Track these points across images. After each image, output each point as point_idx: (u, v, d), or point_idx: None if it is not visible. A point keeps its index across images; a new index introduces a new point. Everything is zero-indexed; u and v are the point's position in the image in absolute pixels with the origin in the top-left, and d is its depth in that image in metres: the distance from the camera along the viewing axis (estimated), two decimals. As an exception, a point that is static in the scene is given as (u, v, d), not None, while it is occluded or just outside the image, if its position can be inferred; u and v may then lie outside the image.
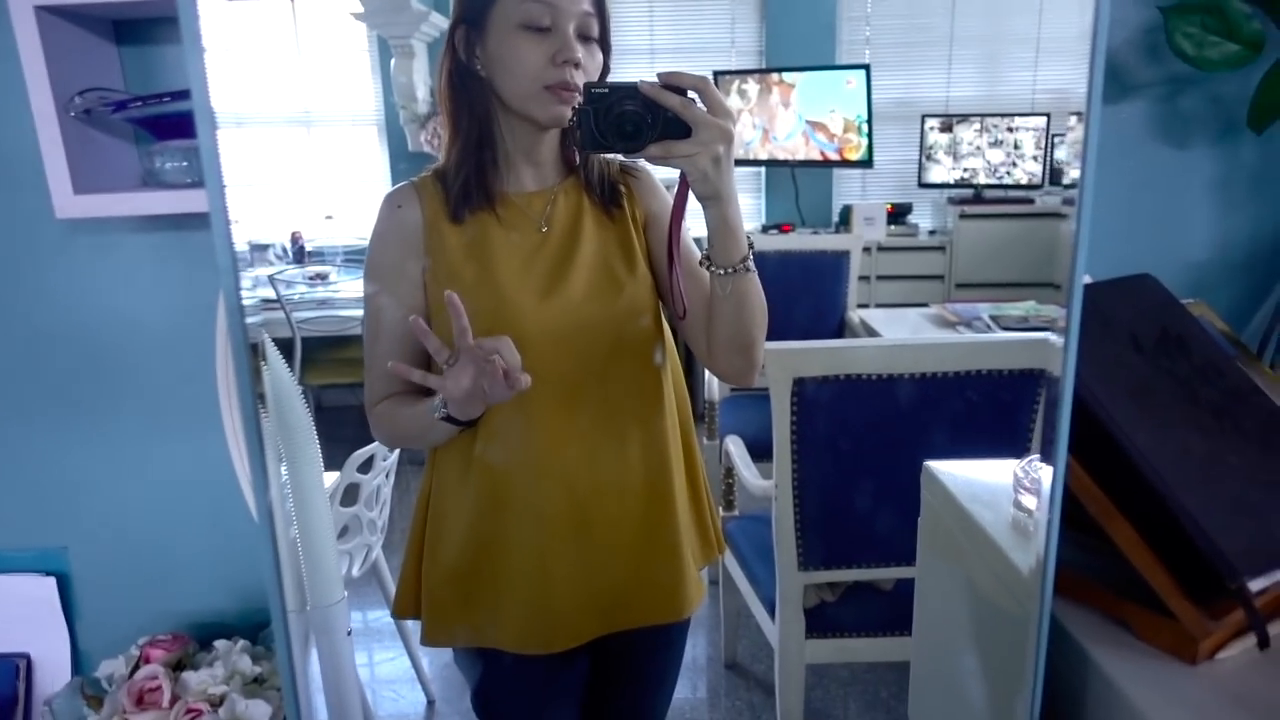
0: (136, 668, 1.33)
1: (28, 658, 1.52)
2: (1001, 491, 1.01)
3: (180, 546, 1.40)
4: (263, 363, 1.06)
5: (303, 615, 1.13)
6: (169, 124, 1.37)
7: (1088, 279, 0.84)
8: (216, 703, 1.22)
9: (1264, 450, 0.82)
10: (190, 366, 1.38)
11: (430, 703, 2.20)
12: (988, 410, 1.55)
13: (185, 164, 1.36)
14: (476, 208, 1.04)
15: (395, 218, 1.04)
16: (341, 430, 1.86)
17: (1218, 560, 0.75)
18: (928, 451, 1.14)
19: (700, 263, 0.98)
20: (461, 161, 1.03)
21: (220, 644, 1.34)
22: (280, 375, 1.03)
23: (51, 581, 1.52)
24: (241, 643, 1.37)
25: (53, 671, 1.48)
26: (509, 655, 1.11)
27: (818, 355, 1.58)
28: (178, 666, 1.31)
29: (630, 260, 1.07)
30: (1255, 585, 0.73)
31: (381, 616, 2.37)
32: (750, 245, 0.96)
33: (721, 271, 0.95)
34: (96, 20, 1.34)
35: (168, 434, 1.39)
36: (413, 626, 2.00)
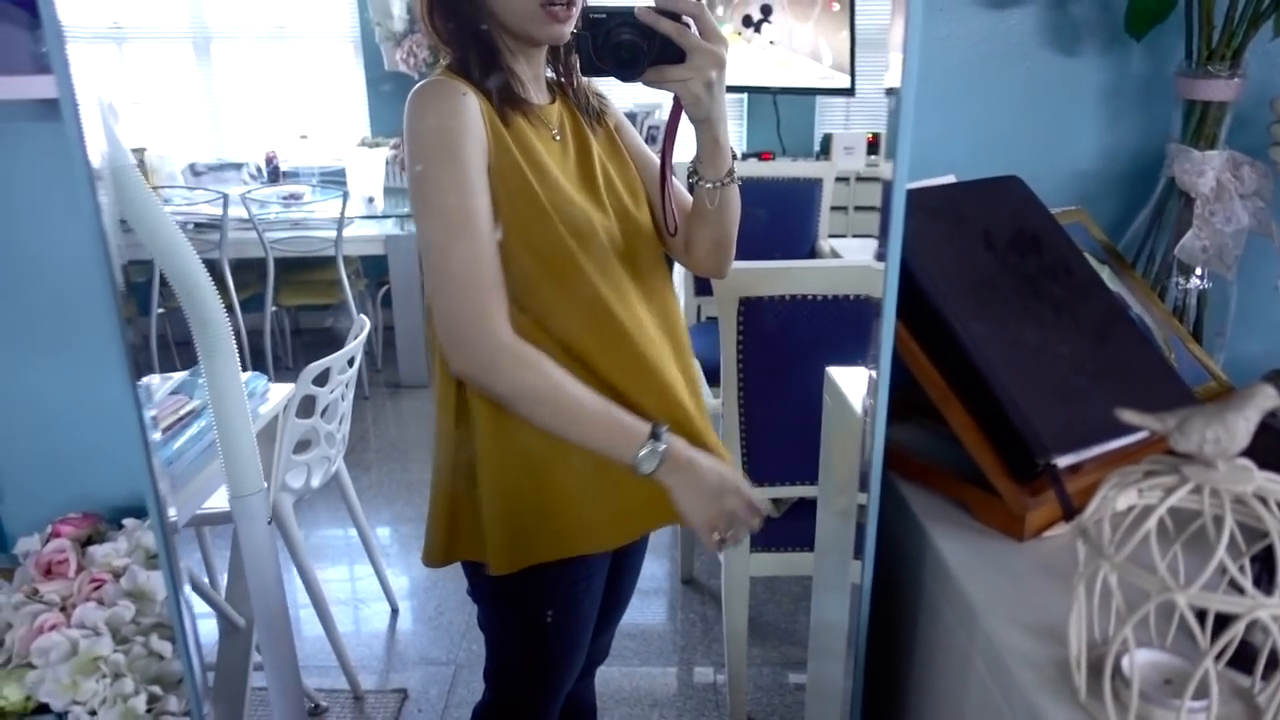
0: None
1: (-48, 538, 1.54)
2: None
3: (95, 436, 1.42)
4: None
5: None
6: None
7: (951, 179, 0.86)
8: (120, 574, 1.26)
9: (1097, 342, 0.85)
10: (92, 262, 1.34)
11: (394, 612, 2.28)
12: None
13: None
14: (516, 110, 0.99)
15: (463, 104, 0.94)
16: (317, 352, 1.88)
17: (1030, 438, 0.79)
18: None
19: (689, 176, 1.02)
20: (484, 71, 0.98)
21: (129, 522, 1.37)
22: (194, 274, 1.05)
23: (-28, 467, 1.53)
24: (148, 522, 1.39)
25: (-23, 552, 1.53)
26: (583, 558, 1.07)
27: (764, 275, 1.60)
28: (88, 542, 1.34)
29: (626, 166, 1.10)
30: (1064, 462, 0.77)
31: (353, 534, 2.41)
32: (734, 156, 1.01)
33: (710, 185, 0.99)
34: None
35: (78, 328, 1.39)
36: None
